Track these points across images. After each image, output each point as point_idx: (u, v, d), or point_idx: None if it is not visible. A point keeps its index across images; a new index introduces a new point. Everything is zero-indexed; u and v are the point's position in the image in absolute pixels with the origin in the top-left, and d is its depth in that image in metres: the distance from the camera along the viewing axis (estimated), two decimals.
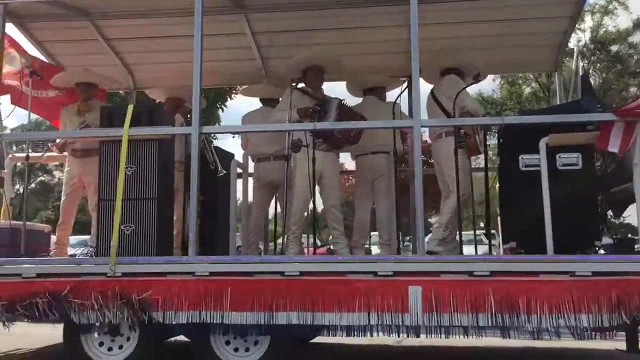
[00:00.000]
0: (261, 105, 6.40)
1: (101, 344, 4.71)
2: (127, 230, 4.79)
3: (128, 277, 4.53)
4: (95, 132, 4.97)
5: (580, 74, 6.71)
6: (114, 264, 4.52)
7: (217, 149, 5.55)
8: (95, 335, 4.70)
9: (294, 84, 5.58)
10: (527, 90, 26.54)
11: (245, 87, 6.97)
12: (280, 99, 6.32)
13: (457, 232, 5.43)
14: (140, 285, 4.50)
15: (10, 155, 6.21)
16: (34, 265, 4.65)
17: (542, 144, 4.47)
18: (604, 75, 24.56)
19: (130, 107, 4.86)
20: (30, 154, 5.77)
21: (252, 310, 4.38)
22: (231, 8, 6.20)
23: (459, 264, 4.31)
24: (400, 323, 4.25)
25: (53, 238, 6.20)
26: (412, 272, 4.31)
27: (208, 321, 4.41)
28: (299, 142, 5.26)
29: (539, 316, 4.10)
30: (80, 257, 5.34)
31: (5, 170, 6.21)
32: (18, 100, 5.64)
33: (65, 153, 6.06)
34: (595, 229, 4.60)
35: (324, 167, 5.36)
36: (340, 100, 5.51)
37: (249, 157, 6.21)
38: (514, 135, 4.77)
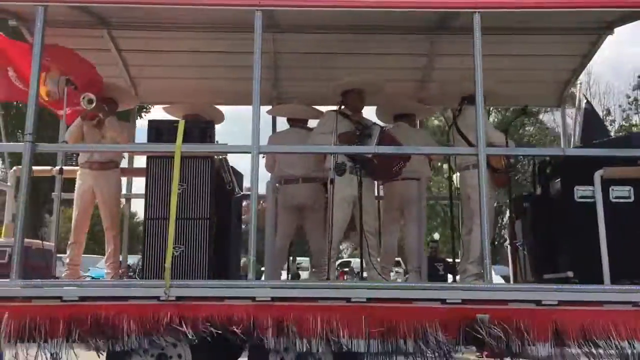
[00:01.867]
0: (289, 125, 6.24)
1: None
2: (176, 252, 4.52)
3: (183, 301, 4.26)
4: (149, 146, 4.68)
5: (583, 107, 6.95)
6: (169, 288, 4.24)
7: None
8: None
9: (335, 109, 5.50)
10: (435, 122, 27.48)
11: (275, 106, 6.79)
12: (304, 118, 6.27)
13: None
14: (196, 310, 4.24)
15: (14, 168, 5.76)
16: (76, 288, 4.29)
17: (597, 176, 4.60)
18: None
19: (182, 123, 4.63)
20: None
21: (315, 336, 4.22)
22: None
23: (527, 292, 4.33)
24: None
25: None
26: (480, 300, 4.30)
27: (270, 347, 4.21)
28: (343, 165, 5.16)
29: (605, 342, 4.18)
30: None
31: (9, 184, 5.76)
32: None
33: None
34: None
35: (364, 194, 5.27)
36: (382, 127, 5.47)
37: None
38: (568, 167, 4.87)
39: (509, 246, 6.79)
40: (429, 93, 7.06)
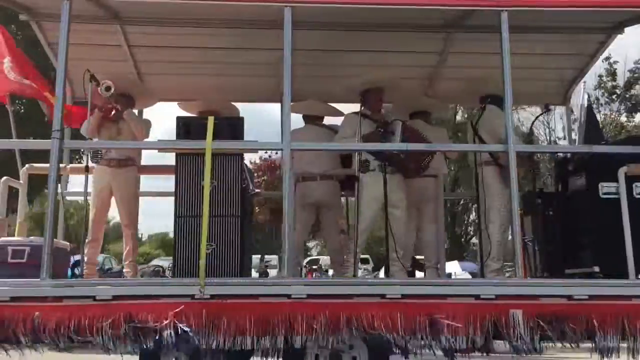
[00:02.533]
0: (304, 123, 6.21)
1: None
2: (208, 250, 4.47)
3: (217, 299, 4.22)
4: (178, 143, 4.62)
5: (587, 105, 7.05)
6: (204, 286, 4.19)
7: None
8: None
9: (355, 110, 5.52)
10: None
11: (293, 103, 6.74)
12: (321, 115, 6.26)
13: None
14: (231, 307, 4.21)
15: (27, 166, 5.65)
16: (110, 287, 4.22)
17: (621, 173, 4.69)
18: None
19: (211, 119, 4.58)
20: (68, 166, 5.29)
21: (350, 333, 4.22)
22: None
23: (558, 288, 4.39)
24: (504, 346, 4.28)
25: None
26: (513, 295, 4.35)
27: (304, 345, 4.20)
28: (367, 162, 5.17)
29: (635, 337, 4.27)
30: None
31: (21, 182, 5.64)
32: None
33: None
34: None
35: (391, 190, 5.29)
36: (404, 122, 5.49)
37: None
38: (592, 164, 4.95)
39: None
40: (437, 91, 7.12)
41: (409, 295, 4.31)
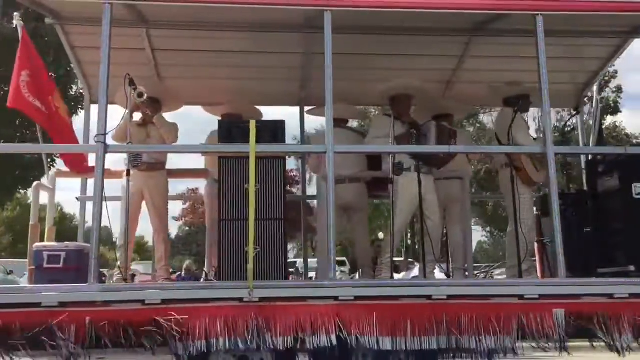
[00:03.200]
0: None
1: None
2: (253, 253, 4.48)
3: (265, 302, 4.23)
4: (222, 147, 4.63)
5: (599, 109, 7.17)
6: (252, 289, 4.20)
7: None
8: None
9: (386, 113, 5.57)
10: None
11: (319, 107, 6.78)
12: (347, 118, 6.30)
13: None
14: (280, 310, 4.22)
15: (55, 170, 5.61)
16: (159, 291, 4.20)
17: None
18: None
19: (253, 122, 4.59)
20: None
21: (398, 335, 4.26)
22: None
23: (599, 287, 4.47)
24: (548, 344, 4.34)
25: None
26: (555, 295, 4.42)
27: (352, 346, 4.23)
28: (401, 164, 5.22)
29: None
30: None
31: (50, 186, 5.60)
32: None
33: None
34: None
35: (426, 191, 5.34)
36: (437, 122, 5.55)
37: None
38: (625, 165, 5.05)
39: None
40: (454, 94, 7.19)
41: (455, 296, 4.36)
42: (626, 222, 4.95)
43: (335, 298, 4.28)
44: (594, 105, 7.44)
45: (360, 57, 6.59)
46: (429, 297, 4.35)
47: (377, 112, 6.05)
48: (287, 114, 8.06)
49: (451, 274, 5.89)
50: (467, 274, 5.90)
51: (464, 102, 7.22)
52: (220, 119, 6.24)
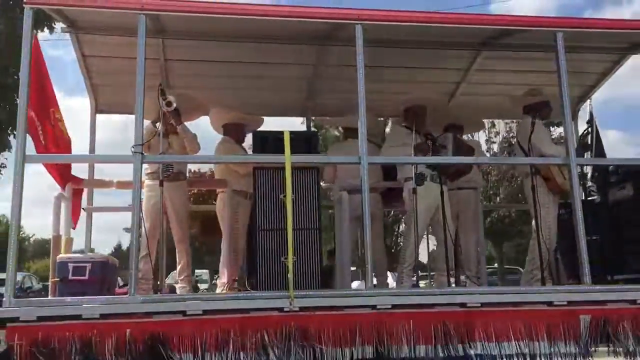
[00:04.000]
0: (344, 137, 6.33)
1: None
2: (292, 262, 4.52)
3: (305, 311, 4.27)
4: (257, 157, 4.66)
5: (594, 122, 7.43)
6: (293, 299, 4.24)
7: None
8: None
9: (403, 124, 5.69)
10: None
11: (336, 118, 6.86)
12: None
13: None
14: (318, 320, 4.27)
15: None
16: (200, 302, 4.20)
17: None
18: None
19: (287, 133, 4.64)
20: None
21: (432, 343, 4.35)
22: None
23: (622, 293, 4.66)
24: (574, 350, 4.49)
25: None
26: (582, 301, 4.59)
27: (392, 356, 4.30)
28: (423, 175, 5.33)
29: None
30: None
31: (67, 195, 5.52)
32: None
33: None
34: None
35: (442, 201, 5.47)
36: (455, 134, 5.69)
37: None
38: (637, 176, 5.28)
39: None
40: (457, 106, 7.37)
41: (488, 303, 4.48)
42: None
43: (374, 307, 4.36)
44: (589, 118, 7.75)
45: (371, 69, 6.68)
46: (463, 305, 4.46)
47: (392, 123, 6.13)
48: (287, 124, 8.09)
49: (464, 282, 6.04)
50: (480, 281, 6.06)
51: (479, 114, 7.39)
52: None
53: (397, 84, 6.71)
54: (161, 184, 4.87)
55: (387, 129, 8.81)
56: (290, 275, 4.30)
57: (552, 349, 4.49)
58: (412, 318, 4.37)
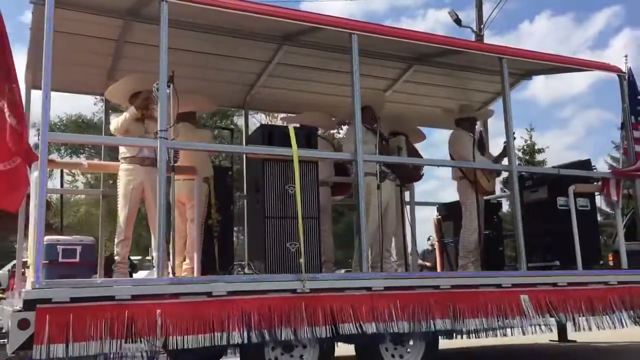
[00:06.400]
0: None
1: None
2: (292, 248, 4.92)
3: (315, 293, 4.70)
4: (267, 149, 4.93)
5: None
6: (305, 281, 4.65)
7: None
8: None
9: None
10: None
11: (292, 115, 7.14)
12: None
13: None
14: (326, 300, 4.73)
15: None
16: (225, 283, 4.44)
17: (571, 190, 6.26)
18: None
19: (292, 129, 5.02)
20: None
21: (414, 319, 5.03)
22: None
23: (546, 277, 5.76)
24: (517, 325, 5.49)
25: None
26: (521, 284, 5.59)
27: (379, 331, 4.87)
28: (385, 173, 5.97)
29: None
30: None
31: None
32: None
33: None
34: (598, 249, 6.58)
35: (391, 198, 6.17)
36: (407, 138, 6.42)
37: None
38: (553, 182, 6.44)
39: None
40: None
41: (458, 285, 5.29)
42: (553, 227, 6.32)
43: (369, 289, 4.92)
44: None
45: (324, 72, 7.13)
46: (437, 287, 5.21)
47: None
48: None
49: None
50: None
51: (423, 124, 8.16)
52: None
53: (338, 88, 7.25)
54: (173, 169, 4.92)
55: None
56: (301, 260, 4.70)
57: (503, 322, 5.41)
58: (399, 299, 5.00)
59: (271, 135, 5.04)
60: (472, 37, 16.80)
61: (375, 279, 5.00)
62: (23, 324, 3.81)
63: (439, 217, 8.17)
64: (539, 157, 26.38)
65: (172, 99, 4.74)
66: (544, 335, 6.16)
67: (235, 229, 8.69)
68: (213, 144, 5.90)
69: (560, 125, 59.14)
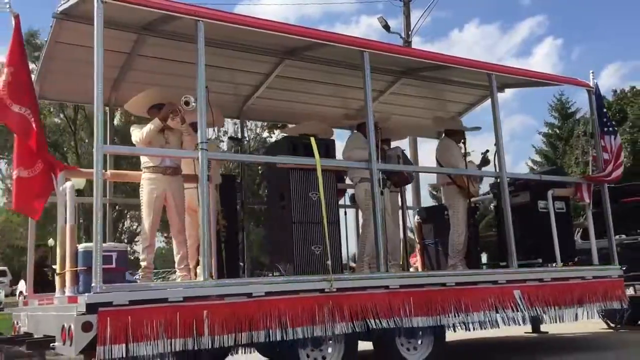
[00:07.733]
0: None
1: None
2: (317, 251, 5.30)
3: (341, 292, 5.09)
4: (294, 159, 5.28)
5: None
6: (332, 280, 5.03)
7: None
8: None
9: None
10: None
11: (296, 126, 7.44)
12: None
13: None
14: (352, 299, 5.12)
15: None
16: (263, 285, 4.76)
17: (549, 194, 6.90)
18: None
19: (313, 140, 5.39)
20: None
21: (426, 315, 5.50)
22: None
23: (535, 273, 6.36)
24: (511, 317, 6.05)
25: None
26: (513, 280, 6.16)
27: (397, 326, 5.31)
28: (386, 181, 6.42)
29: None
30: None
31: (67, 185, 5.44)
32: None
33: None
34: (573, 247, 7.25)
35: (389, 203, 6.64)
36: (402, 150, 6.91)
37: None
38: (534, 186, 7.06)
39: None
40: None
41: (462, 283, 5.79)
42: (535, 227, 6.93)
43: (387, 287, 5.35)
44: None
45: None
46: (444, 285, 5.70)
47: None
48: None
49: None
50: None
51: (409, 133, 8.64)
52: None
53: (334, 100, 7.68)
54: (209, 179, 5.17)
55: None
56: (328, 262, 5.08)
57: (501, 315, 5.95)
58: (412, 296, 5.45)
59: (295, 146, 5.40)
60: (401, 43, 17.08)
61: (391, 278, 5.43)
62: (87, 327, 4.03)
63: (420, 220, 8.69)
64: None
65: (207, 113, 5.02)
66: (518, 327, 6.78)
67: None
68: (244, 154, 6.08)
69: (488, 129, 61.71)
